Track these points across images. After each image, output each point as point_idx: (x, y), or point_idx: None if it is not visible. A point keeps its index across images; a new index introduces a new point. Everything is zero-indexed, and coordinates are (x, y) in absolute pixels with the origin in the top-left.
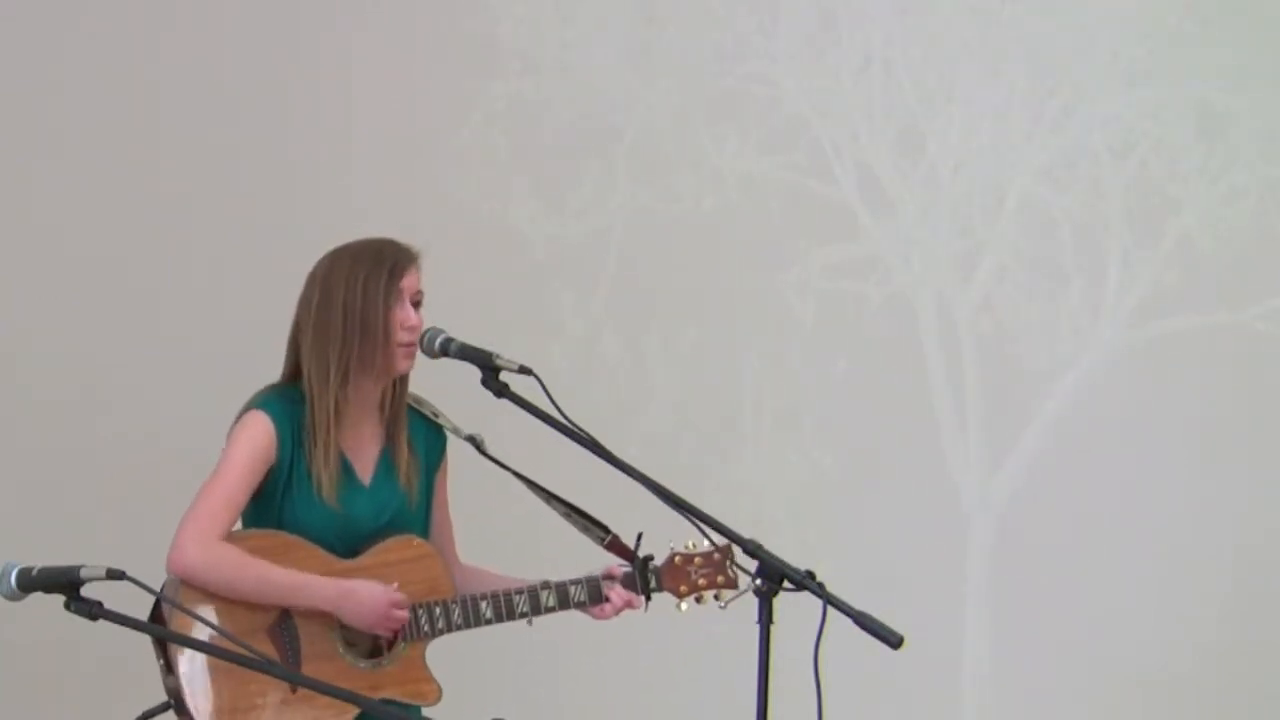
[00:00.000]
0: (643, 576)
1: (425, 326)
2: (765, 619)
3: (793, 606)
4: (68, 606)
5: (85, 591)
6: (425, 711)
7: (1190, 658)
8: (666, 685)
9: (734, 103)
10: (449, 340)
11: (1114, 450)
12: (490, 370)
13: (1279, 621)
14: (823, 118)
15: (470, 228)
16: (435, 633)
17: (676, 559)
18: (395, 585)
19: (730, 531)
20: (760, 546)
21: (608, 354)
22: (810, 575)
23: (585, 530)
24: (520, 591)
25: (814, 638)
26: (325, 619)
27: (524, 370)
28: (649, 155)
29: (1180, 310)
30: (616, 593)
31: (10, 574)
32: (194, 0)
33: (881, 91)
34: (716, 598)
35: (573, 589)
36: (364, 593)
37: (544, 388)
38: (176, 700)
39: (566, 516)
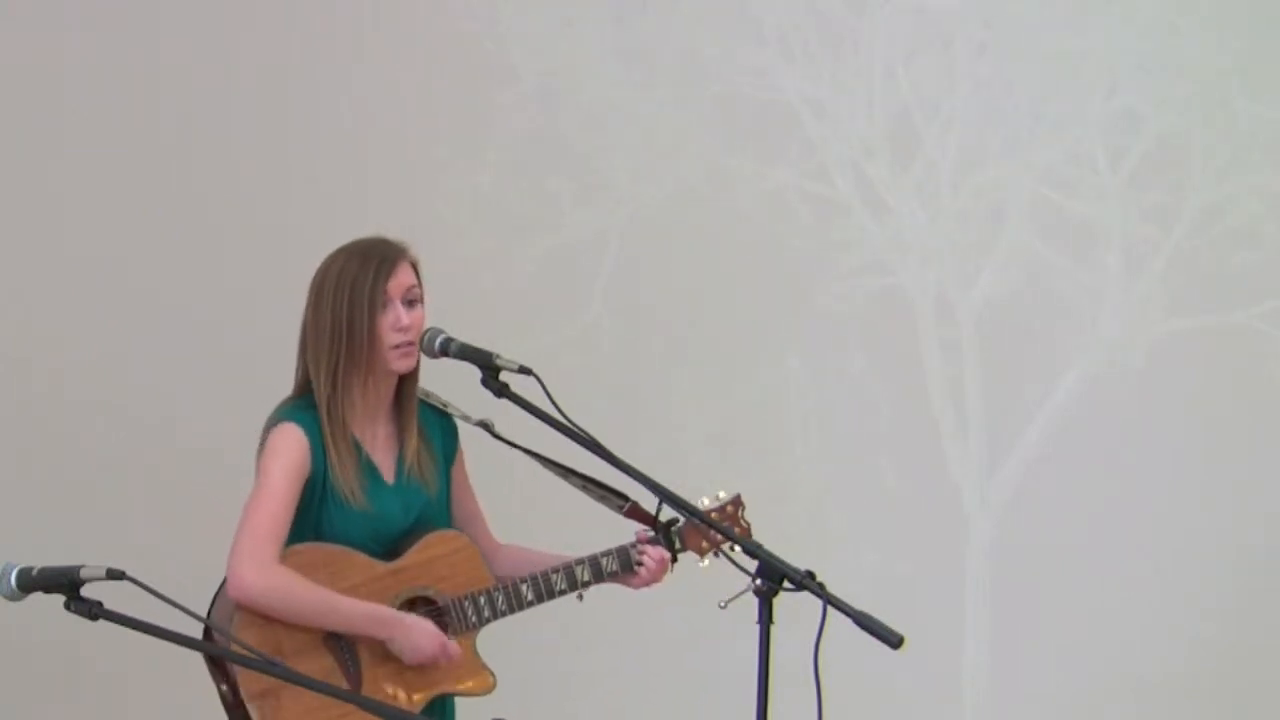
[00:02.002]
0: (667, 539)
1: (426, 326)
2: (765, 619)
3: (793, 606)
4: (68, 606)
5: (85, 591)
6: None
7: (1189, 658)
8: (666, 685)
9: (732, 105)
10: (449, 340)
11: (1114, 450)
12: (490, 370)
13: (1278, 622)
14: (823, 119)
15: (471, 229)
16: (483, 622)
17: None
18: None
19: (730, 531)
20: (760, 546)
21: (607, 355)
22: (810, 575)
23: (603, 500)
24: (557, 570)
25: (814, 638)
26: None
27: (524, 370)
28: (648, 157)
29: (1180, 310)
30: (650, 553)
31: (10, 574)
32: (196, 2)
33: (881, 92)
34: (732, 548)
35: (604, 560)
36: (418, 630)
37: (544, 388)
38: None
39: (584, 488)
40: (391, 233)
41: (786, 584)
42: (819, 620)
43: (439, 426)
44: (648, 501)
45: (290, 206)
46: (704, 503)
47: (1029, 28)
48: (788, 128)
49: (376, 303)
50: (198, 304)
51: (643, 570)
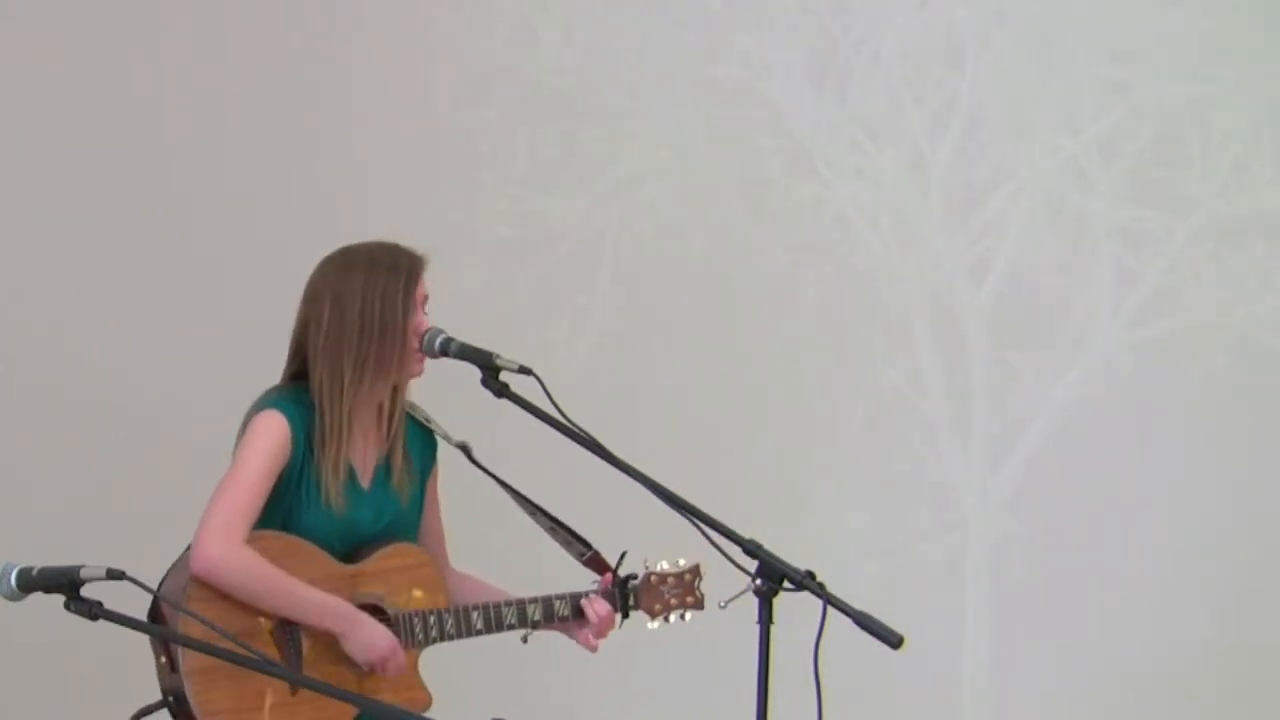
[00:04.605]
0: (622, 594)
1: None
2: (765, 619)
3: (793, 606)
4: (68, 606)
5: (85, 591)
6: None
7: (1190, 658)
8: (666, 685)
9: (729, 105)
10: (449, 340)
11: (1114, 450)
12: (490, 370)
13: (1278, 622)
14: (821, 120)
15: (471, 229)
16: (429, 641)
17: (652, 578)
18: (405, 649)
19: (730, 531)
20: (760, 546)
21: (606, 356)
22: (810, 575)
23: (566, 545)
24: (510, 604)
25: (814, 638)
26: None
27: (524, 370)
28: (651, 158)
29: (1180, 310)
30: (595, 607)
31: (10, 574)
32: (195, 2)
33: (883, 94)
34: (682, 618)
35: (557, 603)
36: (374, 630)
37: (544, 388)
38: (177, 698)
39: (550, 530)
40: (390, 233)
41: (786, 584)
42: (819, 620)
43: (419, 440)
44: (642, 517)
45: (290, 207)
46: (662, 566)
47: (1030, 28)
48: (789, 130)
49: (410, 306)
50: (198, 304)
51: (590, 629)
